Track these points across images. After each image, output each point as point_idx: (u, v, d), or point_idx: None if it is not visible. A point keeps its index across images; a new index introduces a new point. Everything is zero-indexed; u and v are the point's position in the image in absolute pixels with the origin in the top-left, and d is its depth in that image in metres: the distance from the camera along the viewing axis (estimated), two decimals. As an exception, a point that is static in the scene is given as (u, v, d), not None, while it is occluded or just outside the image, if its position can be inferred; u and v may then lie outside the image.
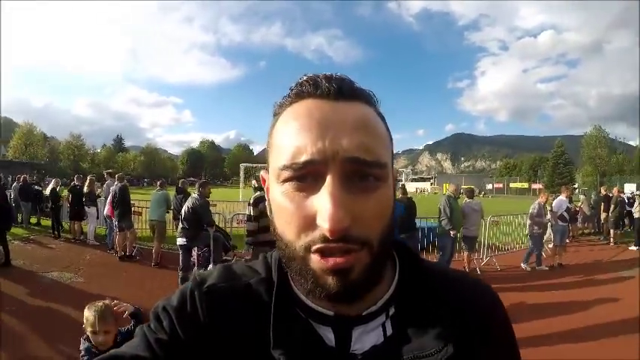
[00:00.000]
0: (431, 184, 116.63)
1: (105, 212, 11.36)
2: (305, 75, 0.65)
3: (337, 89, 0.60)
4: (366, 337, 0.65)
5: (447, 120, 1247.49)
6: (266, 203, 0.69)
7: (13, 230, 13.40)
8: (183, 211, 7.68)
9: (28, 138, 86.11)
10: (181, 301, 0.70)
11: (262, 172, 0.73)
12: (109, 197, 10.84)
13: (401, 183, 12.97)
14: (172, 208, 10.57)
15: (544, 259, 10.40)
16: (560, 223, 10.74)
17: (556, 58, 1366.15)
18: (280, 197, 0.59)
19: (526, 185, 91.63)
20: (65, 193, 13.90)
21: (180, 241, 7.54)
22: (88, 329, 2.80)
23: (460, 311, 0.68)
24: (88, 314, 2.81)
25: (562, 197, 11.19)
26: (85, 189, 12.51)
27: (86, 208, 12.32)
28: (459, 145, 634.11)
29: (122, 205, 10.25)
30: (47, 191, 14.79)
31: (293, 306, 0.67)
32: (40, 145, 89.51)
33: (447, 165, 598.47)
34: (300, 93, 0.62)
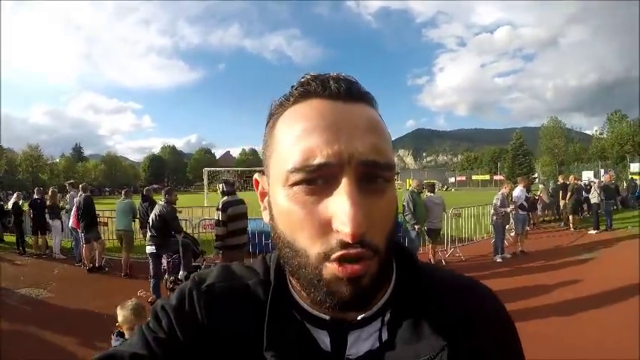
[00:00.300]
0: (395, 180, 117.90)
1: (70, 224, 11.13)
2: (308, 74, 0.64)
3: (346, 90, 0.60)
4: (362, 343, 0.65)
5: (407, 116, 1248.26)
6: (261, 208, 0.70)
7: None
8: (150, 219, 7.64)
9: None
10: (180, 300, 0.71)
11: (256, 175, 0.73)
12: (74, 209, 10.66)
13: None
14: (139, 216, 10.50)
15: (506, 247, 10.76)
16: (520, 212, 11.07)
17: (513, 53, 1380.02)
18: (288, 202, 0.57)
19: (488, 177, 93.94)
20: (26, 207, 13.61)
21: (150, 249, 7.51)
22: (125, 326, 3.04)
23: (458, 317, 0.67)
24: (125, 312, 3.05)
25: (520, 187, 11.52)
26: (48, 202, 12.27)
27: (50, 221, 12.06)
28: (421, 141, 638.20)
29: (87, 216, 10.10)
30: (9, 205, 14.42)
31: (289, 308, 0.67)
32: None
33: (410, 161, 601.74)
34: (305, 92, 0.61)
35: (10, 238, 15.01)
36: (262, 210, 0.69)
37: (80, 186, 10.98)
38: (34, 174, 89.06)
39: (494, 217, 10.49)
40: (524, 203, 11.33)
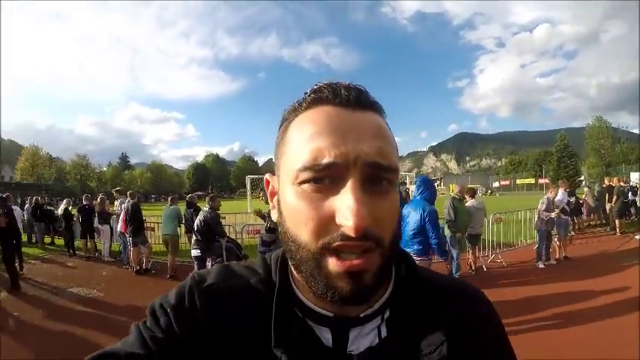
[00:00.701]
0: (437, 185, 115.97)
1: (118, 229, 11.54)
2: (320, 82, 0.66)
3: (355, 98, 0.62)
4: (362, 339, 0.67)
5: (449, 120, 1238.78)
6: (270, 207, 0.72)
7: (29, 250, 13.98)
8: (195, 224, 7.90)
9: (34, 160, 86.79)
10: (179, 298, 0.71)
11: (267, 176, 0.75)
12: (122, 214, 11.06)
13: (405, 187, 12.90)
14: (184, 222, 10.79)
15: (551, 253, 10.37)
16: (562, 216, 10.68)
17: (553, 52, 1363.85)
18: (296, 198, 0.60)
19: (532, 181, 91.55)
20: (75, 212, 14.13)
21: (195, 252, 7.77)
22: None
23: (452, 316, 0.70)
24: None
25: (561, 190, 11.20)
26: (97, 208, 12.72)
27: (99, 226, 12.52)
28: (463, 145, 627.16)
29: (135, 221, 10.45)
30: (59, 211, 15.07)
31: (292, 306, 0.68)
32: (47, 166, 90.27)
33: (453, 165, 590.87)
34: (317, 99, 0.63)
35: (59, 241, 15.78)
36: (271, 209, 0.72)
37: (128, 193, 11.35)
38: (82, 182, 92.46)
39: (539, 222, 10.19)
40: (566, 207, 11.01)
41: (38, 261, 12.62)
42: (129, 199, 10.90)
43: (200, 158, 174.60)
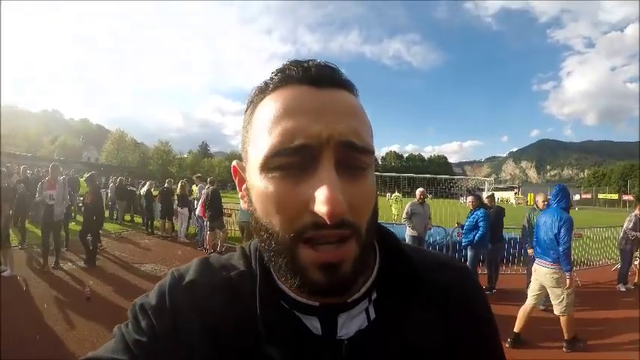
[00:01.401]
0: (515, 193, 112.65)
1: (197, 213, 12.01)
2: (288, 61, 0.64)
3: (326, 76, 0.60)
4: (351, 323, 0.65)
5: (532, 125, 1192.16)
6: (239, 196, 0.69)
7: (110, 226, 14.87)
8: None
9: (120, 143, 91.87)
10: (160, 298, 0.68)
11: (235, 163, 0.71)
12: (201, 199, 11.47)
13: (490, 192, 12.47)
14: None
15: (630, 276, 9.57)
16: None
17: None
18: (265, 185, 0.57)
19: (616, 196, 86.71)
20: (156, 194, 14.89)
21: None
22: None
23: (439, 291, 0.71)
24: None
25: None
26: (178, 191, 13.31)
27: (179, 208, 13.11)
28: (545, 152, 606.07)
29: (213, 206, 10.81)
30: (142, 192, 15.92)
31: (277, 298, 0.66)
32: (131, 151, 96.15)
33: (532, 173, 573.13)
34: (285, 78, 0.61)
35: (138, 219, 16.92)
36: (240, 198, 0.69)
37: (208, 180, 11.85)
38: (163, 166, 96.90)
39: (623, 241, 9.43)
40: None
41: (117, 236, 13.34)
42: (209, 185, 11.34)
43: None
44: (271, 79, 0.62)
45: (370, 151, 0.58)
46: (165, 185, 14.17)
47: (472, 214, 8.06)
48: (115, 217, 17.56)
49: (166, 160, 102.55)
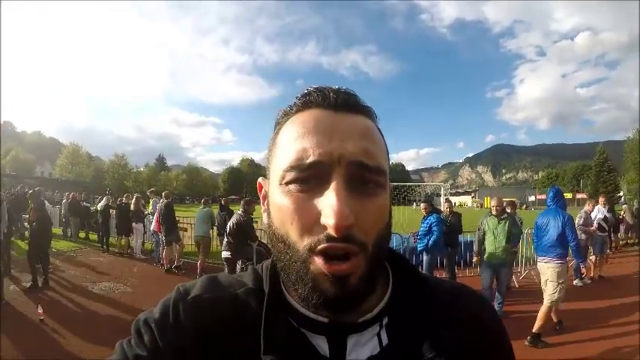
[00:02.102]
0: (472, 197, 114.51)
1: (152, 228, 11.86)
2: (311, 86, 0.66)
3: (343, 102, 0.63)
4: (362, 348, 0.64)
5: (486, 131, 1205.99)
6: (262, 211, 0.71)
7: (64, 244, 14.56)
8: (228, 226, 7.95)
9: (74, 158, 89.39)
10: (164, 313, 0.68)
11: (260, 180, 0.74)
12: (156, 214, 11.35)
13: (446, 197, 12.70)
14: (216, 224, 10.94)
15: (587, 270, 10.04)
16: (598, 233, 10.32)
17: (595, 60, 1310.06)
18: (282, 199, 0.59)
19: (570, 195, 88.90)
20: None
21: (225, 254, 7.82)
22: None
23: (454, 318, 0.69)
24: None
25: (599, 206, 10.82)
26: (132, 207, 13.05)
27: (133, 224, 12.87)
28: (500, 157, 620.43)
29: (168, 220, 10.71)
30: (98, 207, 15.39)
31: (285, 315, 0.65)
32: (86, 165, 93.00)
33: (488, 178, 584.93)
34: (307, 103, 0.64)
35: (93, 236, 16.32)
36: (263, 212, 0.71)
37: (163, 193, 11.69)
38: (119, 180, 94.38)
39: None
40: (603, 224, 10.53)
41: (72, 254, 13.04)
42: (163, 199, 11.19)
43: (235, 162, 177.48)
44: (295, 103, 0.66)
45: (382, 171, 0.61)
46: (123, 200, 13.91)
47: (425, 220, 8.30)
48: (69, 234, 17.00)
49: (122, 174, 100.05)
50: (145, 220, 13.30)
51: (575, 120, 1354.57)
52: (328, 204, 0.54)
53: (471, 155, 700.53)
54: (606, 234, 10.87)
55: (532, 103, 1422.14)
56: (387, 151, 0.67)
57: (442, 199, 14.00)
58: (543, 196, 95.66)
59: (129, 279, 9.63)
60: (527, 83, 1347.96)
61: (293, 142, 0.60)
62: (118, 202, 14.39)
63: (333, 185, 0.56)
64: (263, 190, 0.72)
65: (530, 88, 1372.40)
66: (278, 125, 0.68)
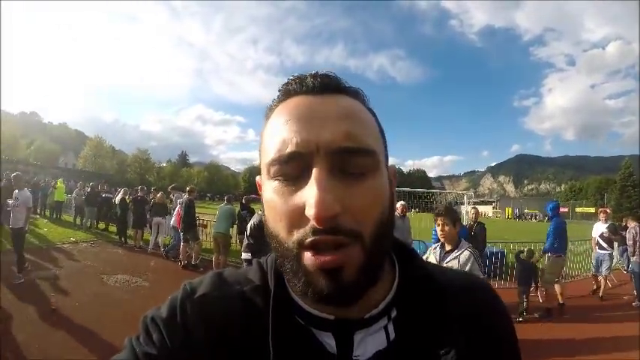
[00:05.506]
0: (493, 207, 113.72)
1: (172, 223, 11.80)
2: (292, 75, 0.65)
3: (322, 85, 0.61)
4: (369, 342, 0.62)
5: (512, 140, 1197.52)
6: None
7: (80, 234, 14.82)
8: (248, 226, 7.79)
9: (98, 150, 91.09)
10: (171, 311, 0.67)
11: (257, 178, 0.70)
12: (177, 209, 11.30)
13: (472, 206, 12.44)
14: (237, 222, 10.81)
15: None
16: (598, 250, 9.83)
17: (625, 71, 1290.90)
18: (270, 194, 0.58)
19: (592, 210, 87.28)
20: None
21: (245, 255, 7.65)
22: None
23: (463, 311, 0.67)
24: None
25: (598, 223, 10.17)
26: (157, 200, 13.06)
27: (156, 218, 12.74)
28: (523, 167, 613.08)
29: (187, 217, 10.63)
30: (116, 200, 15.41)
31: (291, 313, 0.64)
32: (109, 158, 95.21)
33: (510, 188, 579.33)
34: (287, 92, 0.63)
35: (113, 228, 16.33)
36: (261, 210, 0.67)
37: (187, 189, 11.52)
38: (141, 175, 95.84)
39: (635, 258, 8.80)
40: (601, 240, 9.89)
41: (88, 244, 13.10)
42: (186, 195, 11.13)
43: (258, 162, 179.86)
44: (278, 95, 0.64)
45: (369, 152, 0.57)
46: (138, 193, 13.86)
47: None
48: (78, 222, 17.33)
49: (144, 169, 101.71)
50: (166, 214, 13.20)
51: (602, 132, 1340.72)
52: (309, 195, 0.52)
53: (493, 164, 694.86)
54: (606, 252, 9.90)
55: (559, 112, 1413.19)
56: (379, 129, 0.65)
57: (464, 208, 13.72)
58: (565, 209, 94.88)
59: (145, 273, 9.57)
60: (555, 93, 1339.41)
61: (274, 135, 0.59)
62: (133, 196, 14.40)
63: (313, 173, 0.53)
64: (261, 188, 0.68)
65: (558, 97, 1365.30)
66: (265, 120, 0.66)
